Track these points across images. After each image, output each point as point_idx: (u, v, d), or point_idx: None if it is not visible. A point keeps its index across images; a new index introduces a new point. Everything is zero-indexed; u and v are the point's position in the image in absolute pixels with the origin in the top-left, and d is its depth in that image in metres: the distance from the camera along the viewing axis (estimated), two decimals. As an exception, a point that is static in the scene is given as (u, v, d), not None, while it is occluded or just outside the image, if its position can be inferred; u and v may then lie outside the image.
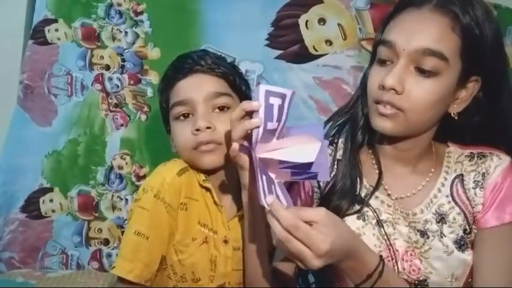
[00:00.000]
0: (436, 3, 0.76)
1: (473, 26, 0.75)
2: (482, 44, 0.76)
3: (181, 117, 0.92)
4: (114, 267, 0.85)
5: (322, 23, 1.42)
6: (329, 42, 1.42)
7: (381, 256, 0.73)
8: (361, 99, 0.86)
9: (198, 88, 0.91)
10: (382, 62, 0.79)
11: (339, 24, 1.42)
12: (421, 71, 0.75)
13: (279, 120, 0.72)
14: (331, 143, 0.90)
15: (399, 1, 0.81)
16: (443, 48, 0.73)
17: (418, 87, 0.75)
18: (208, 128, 0.89)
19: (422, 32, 0.74)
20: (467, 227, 0.80)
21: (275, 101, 0.72)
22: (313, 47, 1.42)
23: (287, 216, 0.63)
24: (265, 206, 0.66)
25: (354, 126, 0.86)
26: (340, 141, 0.89)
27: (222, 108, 0.92)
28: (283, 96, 0.72)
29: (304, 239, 0.63)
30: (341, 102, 1.38)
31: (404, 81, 0.74)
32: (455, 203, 0.81)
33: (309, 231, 0.63)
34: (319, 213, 0.66)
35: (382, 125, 0.78)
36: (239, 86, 0.96)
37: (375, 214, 0.82)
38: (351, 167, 0.84)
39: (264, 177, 0.69)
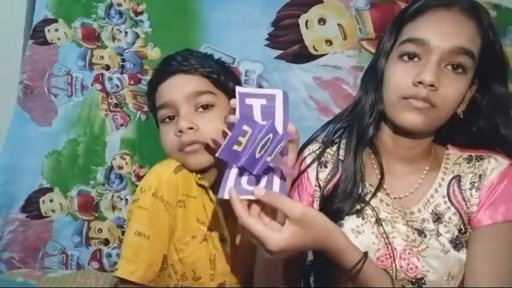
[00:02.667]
0: (463, 7, 0.79)
1: (490, 30, 0.79)
2: (493, 50, 0.80)
3: (167, 120, 0.92)
4: (116, 269, 0.84)
5: (322, 23, 1.42)
6: (329, 42, 1.42)
7: (365, 253, 0.73)
8: (375, 95, 0.85)
9: (178, 89, 0.91)
10: (408, 60, 0.80)
11: (339, 24, 1.42)
12: (453, 69, 0.77)
13: (268, 120, 0.73)
14: (332, 144, 0.90)
15: (422, 1, 0.82)
16: (473, 48, 0.77)
17: (450, 84, 0.77)
18: (190, 128, 0.88)
19: (457, 32, 0.77)
20: (462, 227, 0.81)
21: (255, 102, 0.74)
22: (313, 47, 1.42)
23: (241, 216, 0.68)
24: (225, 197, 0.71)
25: (361, 123, 0.86)
26: (342, 142, 0.89)
27: (205, 107, 0.91)
28: (268, 97, 0.74)
29: (257, 237, 0.68)
30: (341, 102, 1.39)
31: (438, 77, 0.76)
32: (451, 203, 0.82)
33: (259, 233, 0.68)
34: (294, 212, 0.68)
35: (415, 119, 0.78)
36: (225, 83, 0.95)
37: (374, 213, 0.83)
38: (354, 169, 0.84)
39: (236, 171, 0.73)
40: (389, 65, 0.83)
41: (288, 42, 1.41)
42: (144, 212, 0.86)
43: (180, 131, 0.89)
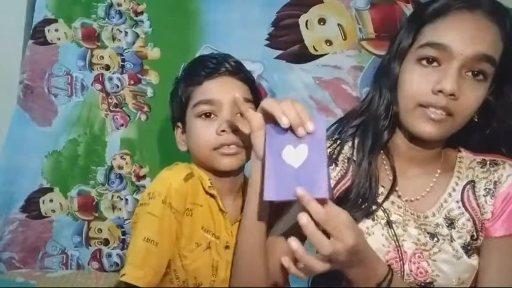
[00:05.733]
0: (487, 10, 0.76)
1: (510, 35, 0.77)
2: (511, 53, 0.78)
3: (203, 116, 0.93)
4: (123, 274, 0.83)
5: (322, 23, 1.42)
6: (329, 42, 1.42)
7: (389, 265, 0.73)
8: (389, 97, 0.83)
9: (227, 91, 0.92)
10: (428, 63, 0.77)
11: (339, 24, 1.42)
12: (474, 75, 0.75)
13: None
14: (343, 141, 0.88)
15: (444, 1, 0.79)
16: (495, 54, 0.75)
17: (470, 92, 0.75)
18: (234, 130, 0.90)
19: (480, 38, 0.74)
20: (474, 234, 0.80)
21: None
22: (313, 47, 1.42)
23: (318, 210, 0.64)
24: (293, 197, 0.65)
25: (376, 125, 0.84)
26: (355, 141, 0.87)
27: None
28: None
29: (333, 232, 0.64)
30: (341, 102, 1.39)
31: (459, 85, 0.74)
32: (466, 209, 0.81)
33: (339, 225, 0.64)
34: (341, 214, 0.66)
35: (430, 130, 0.76)
36: (255, 93, 0.98)
37: (385, 214, 0.81)
38: (369, 175, 0.82)
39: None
40: (406, 68, 0.80)
41: (288, 42, 1.41)
42: (154, 219, 0.85)
43: (223, 131, 0.90)
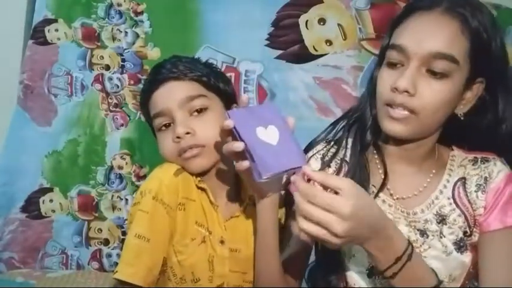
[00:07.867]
0: (446, 7, 0.77)
1: (481, 30, 0.77)
2: (489, 48, 0.78)
3: (163, 128, 0.93)
4: (116, 271, 0.84)
5: (322, 23, 1.42)
6: (329, 42, 1.42)
7: (408, 240, 0.71)
8: (370, 101, 0.86)
9: (171, 96, 0.92)
10: (393, 65, 0.79)
11: (339, 24, 1.42)
12: (433, 73, 0.76)
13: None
14: (336, 143, 0.90)
15: (408, 5, 0.82)
16: (454, 51, 0.75)
17: (429, 89, 0.76)
18: (187, 133, 0.89)
19: (433, 36, 0.76)
20: (467, 230, 0.81)
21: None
22: (313, 47, 1.42)
23: (305, 186, 0.65)
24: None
25: (362, 127, 0.86)
26: (349, 141, 0.89)
27: (200, 111, 0.92)
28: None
29: (325, 205, 0.62)
30: (341, 102, 1.39)
31: (416, 83, 0.76)
32: (457, 205, 0.82)
33: (329, 197, 0.63)
34: (344, 182, 0.65)
35: (393, 128, 0.79)
36: (215, 85, 0.96)
37: None
38: (359, 170, 0.84)
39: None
40: (380, 71, 0.83)
41: (288, 42, 1.41)
42: (144, 215, 0.86)
43: (178, 137, 0.90)
